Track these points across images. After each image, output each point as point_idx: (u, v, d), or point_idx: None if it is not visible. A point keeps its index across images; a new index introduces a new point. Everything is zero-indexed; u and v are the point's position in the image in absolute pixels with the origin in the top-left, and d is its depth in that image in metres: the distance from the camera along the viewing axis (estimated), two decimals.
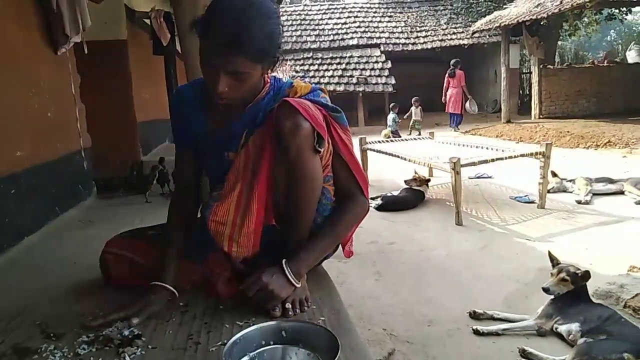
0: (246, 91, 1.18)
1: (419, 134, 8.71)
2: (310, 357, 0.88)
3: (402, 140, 6.04)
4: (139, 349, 1.02)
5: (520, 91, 13.76)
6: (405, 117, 9.95)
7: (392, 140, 5.88)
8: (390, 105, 10.09)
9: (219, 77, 1.10)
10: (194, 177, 1.38)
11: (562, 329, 2.04)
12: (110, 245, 1.40)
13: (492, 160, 3.88)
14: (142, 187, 3.20)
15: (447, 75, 10.43)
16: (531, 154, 3.97)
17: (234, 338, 0.89)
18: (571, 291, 2.14)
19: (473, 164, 3.79)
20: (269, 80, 1.28)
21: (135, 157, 4.12)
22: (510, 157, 3.96)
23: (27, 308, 1.28)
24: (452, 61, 10.36)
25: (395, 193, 4.44)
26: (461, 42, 13.22)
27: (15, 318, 1.22)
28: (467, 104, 10.43)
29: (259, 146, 1.21)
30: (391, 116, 9.86)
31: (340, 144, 1.26)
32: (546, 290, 2.17)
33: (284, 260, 1.17)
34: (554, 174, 4.50)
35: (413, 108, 9.94)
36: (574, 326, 2.00)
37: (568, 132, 8.06)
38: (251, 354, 0.88)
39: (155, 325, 1.13)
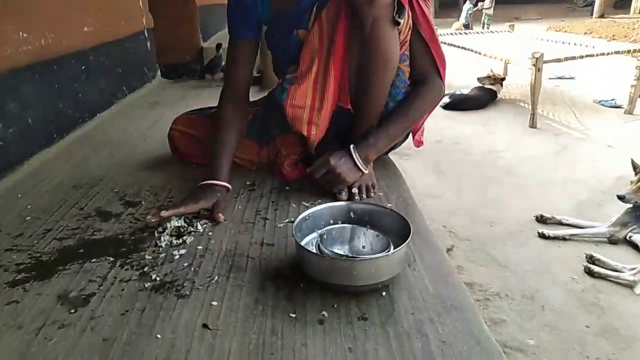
0: None
1: (486, 28, 7.96)
2: (379, 238, 0.85)
3: (476, 33, 5.52)
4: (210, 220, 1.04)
5: None
6: (475, 8, 9.00)
7: (465, 33, 5.40)
8: None
9: None
10: (247, 75, 1.26)
11: (638, 237, 1.93)
12: (177, 122, 1.41)
13: (581, 57, 3.48)
14: (206, 70, 3.24)
15: None
16: (628, 52, 3.51)
17: (303, 214, 0.88)
18: None
19: (558, 60, 3.42)
20: None
21: (196, 43, 4.05)
22: (603, 54, 3.53)
23: (104, 177, 1.34)
24: None
25: (465, 91, 4.16)
26: None
27: (95, 185, 1.29)
28: None
29: (332, 19, 1.09)
30: (467, 6, 9.00)
31: (422, 18, 1.12)
32: (621, 198, 2.04)
33: (352, 145, 1.12)
34: None
35: None
36: None
37: None
38: (320, 231, 0.87)
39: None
